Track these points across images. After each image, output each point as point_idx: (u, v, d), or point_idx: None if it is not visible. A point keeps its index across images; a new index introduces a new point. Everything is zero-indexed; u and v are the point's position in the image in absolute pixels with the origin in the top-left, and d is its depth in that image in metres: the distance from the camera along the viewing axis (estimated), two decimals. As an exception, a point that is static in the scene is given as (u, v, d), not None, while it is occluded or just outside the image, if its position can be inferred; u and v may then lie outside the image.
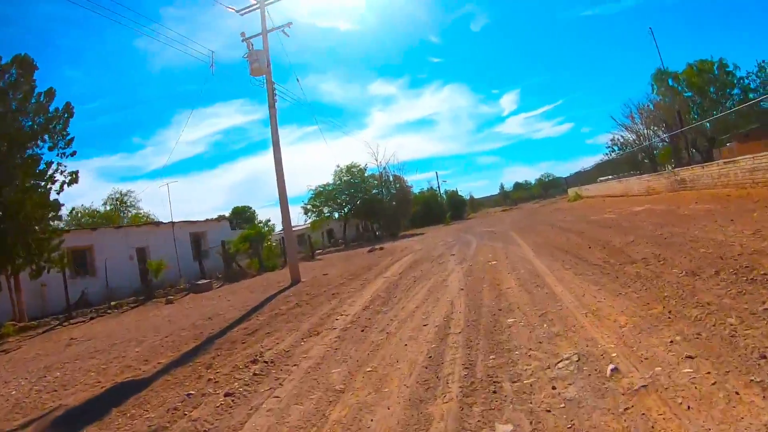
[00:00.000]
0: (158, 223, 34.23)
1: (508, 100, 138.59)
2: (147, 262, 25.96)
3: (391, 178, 44.84)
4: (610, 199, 25.08)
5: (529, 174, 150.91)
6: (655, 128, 29.50)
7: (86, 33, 78.86)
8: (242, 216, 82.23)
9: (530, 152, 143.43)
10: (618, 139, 34.40)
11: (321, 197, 46.97)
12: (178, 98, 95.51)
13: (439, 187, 61.05)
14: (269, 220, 79.16)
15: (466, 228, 29.95)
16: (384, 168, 44.86)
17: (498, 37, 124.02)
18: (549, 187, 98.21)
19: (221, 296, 17.12)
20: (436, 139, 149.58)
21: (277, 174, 17.28)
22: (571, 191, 36.65)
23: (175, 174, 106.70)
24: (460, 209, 63.53)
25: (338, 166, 46.22)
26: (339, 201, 47.49)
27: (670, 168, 23.33)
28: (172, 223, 32.75)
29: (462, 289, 8.14)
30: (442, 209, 60.13)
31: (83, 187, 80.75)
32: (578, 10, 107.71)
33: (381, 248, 24.94)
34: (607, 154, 38.66)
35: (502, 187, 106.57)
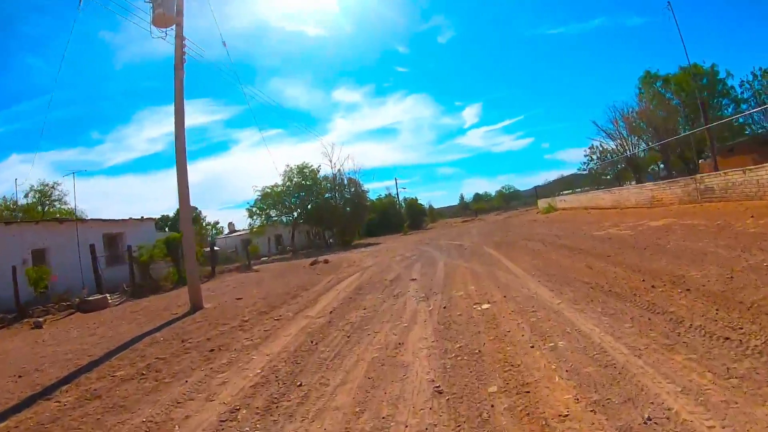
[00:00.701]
0: (61, 220, 27.98)
1: (471, 113, 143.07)
2: (26, 269, 20.06)
3: (345, 182, 40.20)
4: (596, 211, 21.58)
5: (488, 186, 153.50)
6: (637, 137, 26.54)
7: (51, 21, 71.31)
8: (185, 217, 75.54)
9: (490, 165, 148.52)
10: (597, 147, 31.44)
11: (268, 199, 41.69)
12: (141, 94, 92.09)
13: (397, 194, 57.07)
14: (218, 223, 73.06)
15: (427, 239, 25.81)
16: (339, 171, 40.25)
17: (464, 50, 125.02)
18: (510, 199, 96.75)
19: (103, 321, 12.40)
20: (397, 149, 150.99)
21: (177, 152, 12.27)
22: (542, 202, 33.23)
23: (134, 171, 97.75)
24: (419, 218, 59.65)
25: (288, 166, 41.17)
26: (288, 204, 42.38)
27: (629, 182, 20.03)
28: (76, 220, 26.70)
29: (439, 392, 3.62)
30: (401, 218, 56.04)
31: (38, 180, 79.50)
32: (544, 29, 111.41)
33: (326, 261, 20.24)
34: (584, 164, 35.82)
35: (462, 197, 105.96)
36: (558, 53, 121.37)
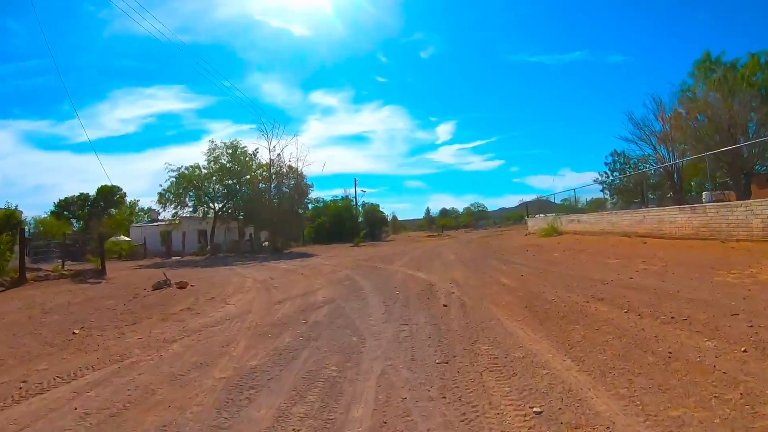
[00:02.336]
0: None
1: (444, 130, 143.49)
2: None
3: (285, 171, 31.00)
4: (633, 240, 13.37)
5: (454, 203, 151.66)
6: (682, 144, 18.90)
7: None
8: (108, 198, 63.89)
9: (458, 183, 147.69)
10: (622, 156, 23.81)
11: (184, 183, 31.94)
12: (119, 73, 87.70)
13: (356, 198, 48.08)
14: (136, 204, 62.46)
15: (378, 258, 17.21)
16: (278, 156, 31.08)
17: (445, 67, 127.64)
18: (479, 218, 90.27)
19: None
20: (368, 157, 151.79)
21: None
22: (537, 222, 25.14)
23: (103, 151, 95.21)
24: (378, 228, 50.92)
25: (213, 143, 31.63)
26: (211, 193, 32.81)
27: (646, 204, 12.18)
28: None
29: None
30: (356, 225, 47.28)
31: (5, 149, 75.86)
32: (524, 56, 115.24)
33: (182, 285, 11.11)
34: (601, 180, 28.25)
35: (428, 211, 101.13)
36: (536, 81, 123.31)
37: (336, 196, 50.47)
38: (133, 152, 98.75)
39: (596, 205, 22.10)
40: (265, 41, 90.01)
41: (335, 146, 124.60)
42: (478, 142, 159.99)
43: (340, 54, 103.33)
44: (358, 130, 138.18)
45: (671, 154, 20.32)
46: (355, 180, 47.47)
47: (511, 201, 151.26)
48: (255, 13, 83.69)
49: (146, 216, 51.23)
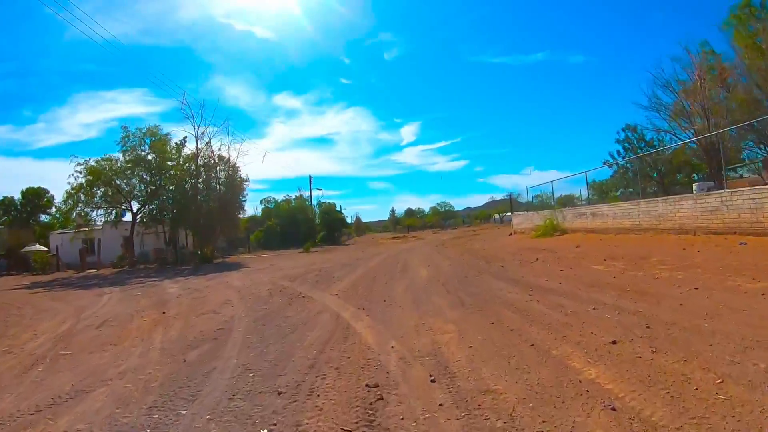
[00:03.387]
0: None
1: (409, 131, 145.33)
2: None
3: (215, 163, 24.81)
4: (673, 237, 8.46)
5: (420, 204, 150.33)
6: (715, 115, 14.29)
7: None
8: (33, 202, 55.56)
9: (423, 183, 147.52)
10: (632, 137, 19.15)
11: (96, 180, 25.22)
12: (79, 77, 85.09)
13: (311, 197, 42.16)
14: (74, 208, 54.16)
15: (319, 273, 11.83)
16: (207, 144, 24.94)
17: (408, 69, 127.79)
18: (446, 218, 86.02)
19: None
20: (333, 159, 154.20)
21: None
22: (525, 219, 20.24)
23: (64, 156, 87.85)
24: (337, 230, 45.14)
25: (126, 129, 25.10)
26: (127, 191, 26.27)
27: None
28: None
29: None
30: (313, 227, 41.48)
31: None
32: (487, 57, 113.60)
33: None
34: (611, 160, 23.59)
35: (393, 211, 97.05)
36: (499, 82, 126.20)
37: (287, 195, 44.49)
38: (95, 157, 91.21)
39: (599, 194, 17.36)
40: (229, 44, 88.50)
41: (299, 149, 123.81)
42: (442, 143, 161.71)
43: (305, 56, 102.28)
44: (322, 133, 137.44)
45: (706, 122, 15.74)
46: (309, 177, 41.84)
47: (476, 200, 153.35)
48: (218, 16, 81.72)
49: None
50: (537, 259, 9.93)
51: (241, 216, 35.61)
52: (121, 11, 72.97)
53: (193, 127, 24.73)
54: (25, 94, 77.04)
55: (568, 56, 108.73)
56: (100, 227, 30.61)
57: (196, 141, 24.77)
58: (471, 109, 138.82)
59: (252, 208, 52.99)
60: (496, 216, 74.17)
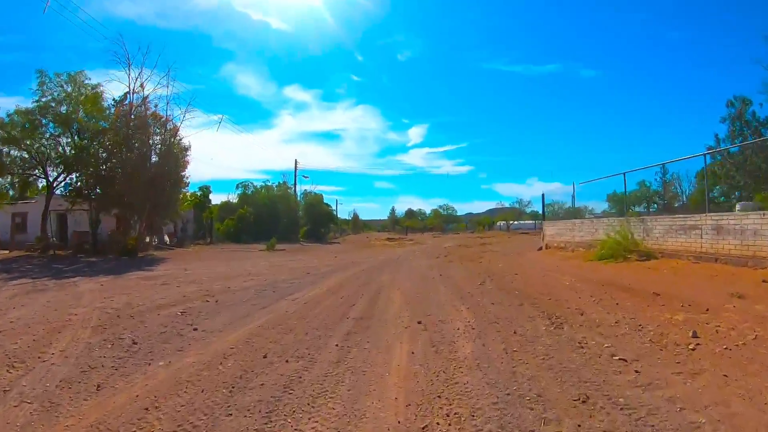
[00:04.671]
0: None
1: (416, 133, 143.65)
2: None
3: (149, 123, 18.15)
4: None
5: (422, 206, 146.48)
6: None
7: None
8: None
9: (427, 186, 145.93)
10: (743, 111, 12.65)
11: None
12: (93, 55, 75.65)
13: (295, 185, 35.54)
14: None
15: (217, 296, 5.56)
16: (143, 101, 18.41)
17: (420, 71, 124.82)
18: (447, 221, 79.65)
19: None
20: (339, 155, 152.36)
21: None
22: (566, 231, 13.76)
23: None
24: (322, 224, 38.63)
25: (42, 75, 18.57)
26: (45, 153, 19.88)
27: None
28: None
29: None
30: (295, 219, 35.06)
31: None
32: (500, 65, 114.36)
33: None
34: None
35: (393, 211, 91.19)
36: (509, 90, 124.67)
37: (266, 180, 37.93)
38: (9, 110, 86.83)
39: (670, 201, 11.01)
40: (244, 32, 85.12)
41: (306, 142, 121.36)
42: (449, 147, 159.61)
43: (318, 50, 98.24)
44: (330, 128, 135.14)
45: None
46: (295, 161, 34.96)
47: (478, 207, 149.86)
48: (236, 4, 77.73)
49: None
50: (693, 339, 3.57)
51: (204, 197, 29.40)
52: None
53: (128, 74, 18.33)
54: (38, 67, 70.58)
55: (579, 69, 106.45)
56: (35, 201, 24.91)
57: (131, 95, 18.39)
58: (479, 115, 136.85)
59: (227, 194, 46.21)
60: (501, 223, 68.87)
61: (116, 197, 17.95)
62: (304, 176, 34.37)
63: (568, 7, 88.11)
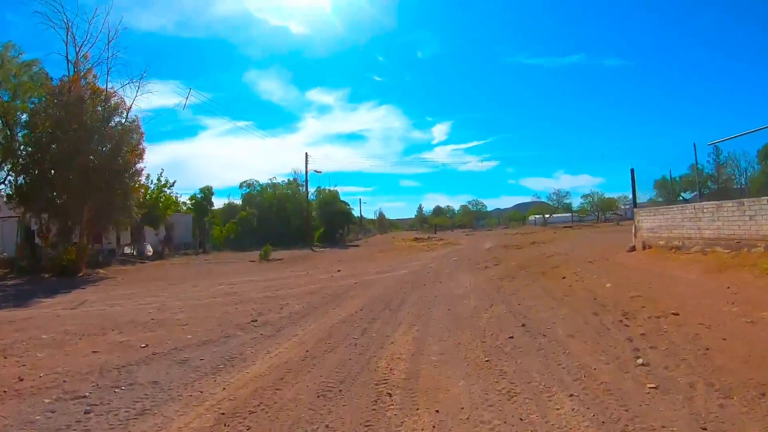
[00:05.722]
0: None
1: (440, 130, 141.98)
2: None
3: (86, 96, 13.45)
4: None
5: (449, 203, 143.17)
6: None
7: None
8: None
9: (453, 183, 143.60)
10: None
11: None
12: (115, 66, 72.83)
13: (306, 182, 30.37)
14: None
15: None
16: (88, 70, 13.76)
17: (442, 68, 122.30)
18: (477, 218, 73.49)
19: None
20: (364, 156, 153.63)
21: None
22: (694, 219, 7.91)
23: None
24: (339, 225, 33.39)
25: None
26: None
27: None
28: None
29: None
30: (307, 221, 30.09)
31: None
32: (522, 58, 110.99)
33: None
34: None
35: (420, 209, 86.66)
36: (533, 83, 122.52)
37: (272, 179, 33.04)
38: None
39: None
40: (264, 38, 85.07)
41: (331, 144, 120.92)
42: (474, 143, 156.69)
43: (338, 52, 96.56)
44: (354, 129, 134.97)
45: None
46: (306, 155, 29.73)
47: (505, 202, 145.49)
48: (254, 10, 77.82)
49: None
50: None
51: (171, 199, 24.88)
52: (158, 4, 68.51)
53: (65, 43, 13.67)
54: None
55: (603, 59, 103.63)
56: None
57: (68, 67, 13.72)
58: (504, 109, 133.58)
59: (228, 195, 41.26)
60: (533, 217, 64.07)
61: (46, 197, 13.35)
62: (316, 171, 29.34)
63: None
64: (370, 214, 71.72)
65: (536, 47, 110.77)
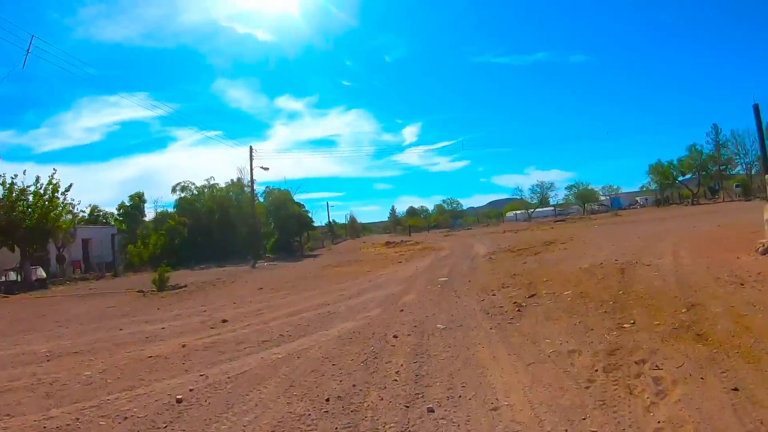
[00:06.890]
0: None
1: (410, 132, 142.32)
2: None
3: None
4: None
5: (422, 204, 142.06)
6: None
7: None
8: None
9: (425, 184, 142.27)
10: None
11: None
12: (82, 80, 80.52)
13: (252, 182, 24.25)
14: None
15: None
16: None
17: (410, 70, 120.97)
18: (454, 217, 68.71)
19: None
20: (335, 161, 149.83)
21: None
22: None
23: (67, 161, 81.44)
24: (295, 232, 27.33)
25: None
26: None
27: None
28: None
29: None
30: (255, 229, 24.15)
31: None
32: (489, 57, 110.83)
33: None
34: None
35: (393, 210, 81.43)
36: (500, 82, 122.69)
37: (208, 179, 26.84)
38: (99, 161, 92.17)
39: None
40: (231, 47, 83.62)
41: (301, 150, 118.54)
42: (444, 143, 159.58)
43: (306, 58, 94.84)
44: (324, 134, 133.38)
45: None
46: (250, 148, 23.67)
47: (478, 200, 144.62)
48: (220, 19, 76.67)
49: None
50: None
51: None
52: (124, 15, 67.20)
53: None
54: (28, 99, 70.40)
55: (568, 56, 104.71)
56: None
57: None
58: (472, 109, 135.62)
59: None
60: (510, 214, 62.20)
61: None
62: (263, 167, 23.44)
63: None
64: (342, 218, 66.46)
65: (502, 46, 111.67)
